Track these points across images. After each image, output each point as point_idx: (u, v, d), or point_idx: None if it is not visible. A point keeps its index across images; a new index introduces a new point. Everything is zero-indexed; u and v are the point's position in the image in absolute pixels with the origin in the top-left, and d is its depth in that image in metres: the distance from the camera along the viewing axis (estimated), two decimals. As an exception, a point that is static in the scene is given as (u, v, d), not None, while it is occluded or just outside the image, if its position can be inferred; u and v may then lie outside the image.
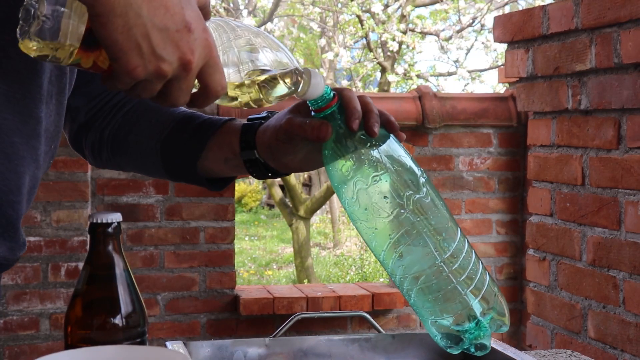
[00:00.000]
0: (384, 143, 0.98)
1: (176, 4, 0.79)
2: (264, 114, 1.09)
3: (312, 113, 0.99)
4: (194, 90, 0.86)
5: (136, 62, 0.78)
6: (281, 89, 0.93)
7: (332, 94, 0.98)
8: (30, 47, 0.78)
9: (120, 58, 0.78)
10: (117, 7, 0.76)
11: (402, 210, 0.95)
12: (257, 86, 0.91)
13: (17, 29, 0.78)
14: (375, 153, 0.97)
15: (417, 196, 0.96)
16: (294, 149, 1.03)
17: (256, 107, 0.95)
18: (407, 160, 0.98)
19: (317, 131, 0.97)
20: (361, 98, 0.99)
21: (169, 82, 0.82)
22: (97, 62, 0.81)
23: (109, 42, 0.77)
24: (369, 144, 0.97)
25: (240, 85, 0.90)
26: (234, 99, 0.92)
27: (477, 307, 0.97)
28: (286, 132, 1.01)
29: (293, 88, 0.94)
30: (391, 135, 0.99)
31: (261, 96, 0.92)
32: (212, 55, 0.82)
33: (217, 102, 0.91)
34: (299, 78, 0.94)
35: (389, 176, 0.96)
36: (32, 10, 0.76)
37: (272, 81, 0.92)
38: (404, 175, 0.97)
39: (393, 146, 0.98)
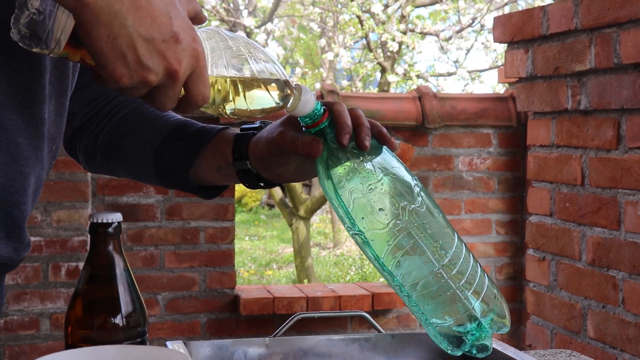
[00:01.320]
0: (376, 155, 0.98)
1: (163, 14, 0.78)
2: (257, 124, 1.08)
3: (303, 129, 0.99)
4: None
5: (122, 71, 0.78)
6: (268, 100, 0.92)
7: (322, 110, 0.97)
8: (20, 37, 0.78)
9: (106, 66, 0.78)
10: (101, 16, 0.75)
11: (398, 221, 0.95)
12: (243, 97, 0.90)
13: (12, 17, 0.78)
14: (368, 166, 0.97)
15: (412, 206, 0.96)
16: (287, 161, 1.03)
17: (244, 118, 0.94)
18: (401, 171, 0.98)
19: (307, 148, 0.97)
20: (352, 111, 0.99)
21: (155, 89, 0.82)
22: (84, 58, 0.81)
23: (93, 51, 0.77)
24: (361, 158, 0.97)
25: (226, 95, 0.90)
26: (222, 108, 0.92)
27: (477, 308, 0.97)
28: (278, 146, 1.01)
29: (281, 103, 0.93)
30: (384, 146, 0.99)
31: (247, 107, 0.91)
32: (199, 65, 0.82)
33: (203, 110, 0.91)
34: (289, 92, 0.93)
35: (382, 188, 0.96)
36: (27, 1, 0.77)
37: (257, 90, 0.91)
38: (398, 186, 0.97)
39: (386, 157, 0.98)
